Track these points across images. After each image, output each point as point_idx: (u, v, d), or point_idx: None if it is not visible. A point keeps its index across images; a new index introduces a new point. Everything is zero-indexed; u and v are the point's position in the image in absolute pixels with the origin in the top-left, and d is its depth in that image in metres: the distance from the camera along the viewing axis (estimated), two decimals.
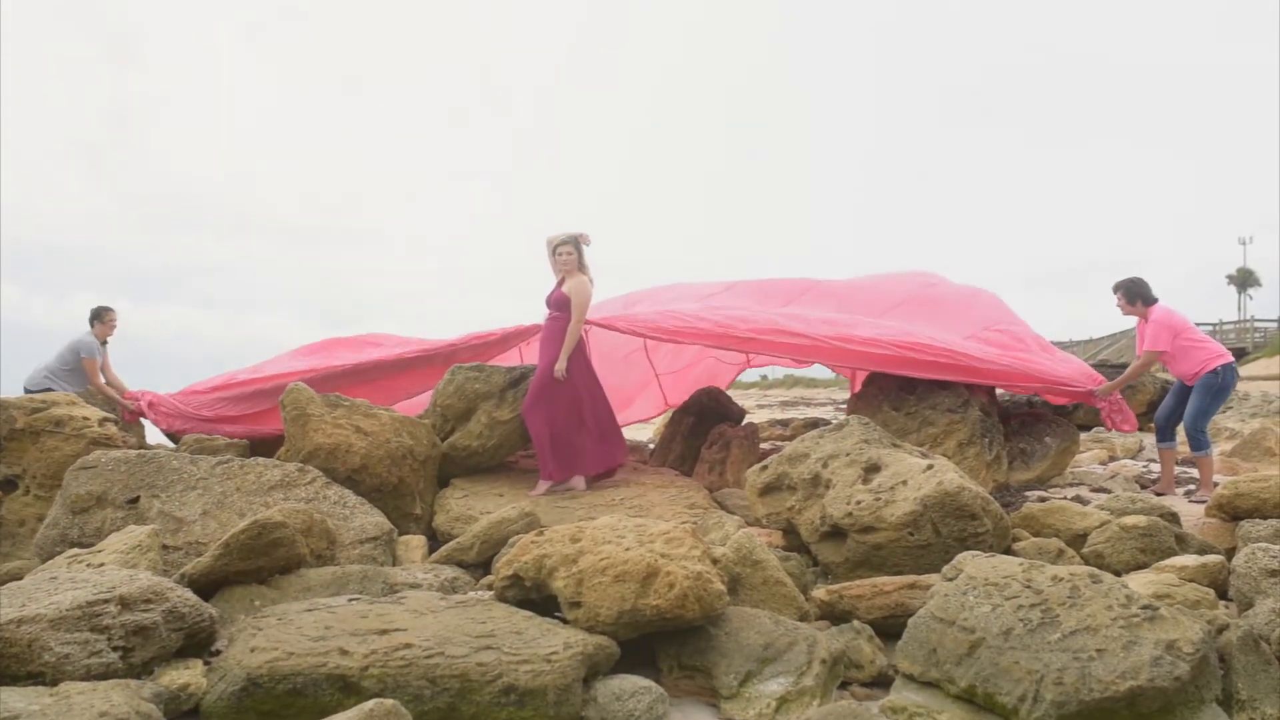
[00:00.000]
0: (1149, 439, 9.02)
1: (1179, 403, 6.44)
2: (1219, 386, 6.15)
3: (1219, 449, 7.96)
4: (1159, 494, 6.19)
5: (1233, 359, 6.32)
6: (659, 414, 10.19)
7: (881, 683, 3.56)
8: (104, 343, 8.09)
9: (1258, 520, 4.70)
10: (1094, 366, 10.66)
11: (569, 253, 6.48)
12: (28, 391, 7.45)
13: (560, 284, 6.53)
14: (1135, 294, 6.34)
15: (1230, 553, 4.51)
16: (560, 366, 6.27)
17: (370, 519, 5.14)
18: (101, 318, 8.12)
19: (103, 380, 7.90)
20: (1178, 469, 7.22)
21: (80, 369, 7.83)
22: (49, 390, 7.34)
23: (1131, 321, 6.68)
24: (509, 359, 7.90)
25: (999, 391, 7.40)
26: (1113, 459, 8.26)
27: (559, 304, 6.46)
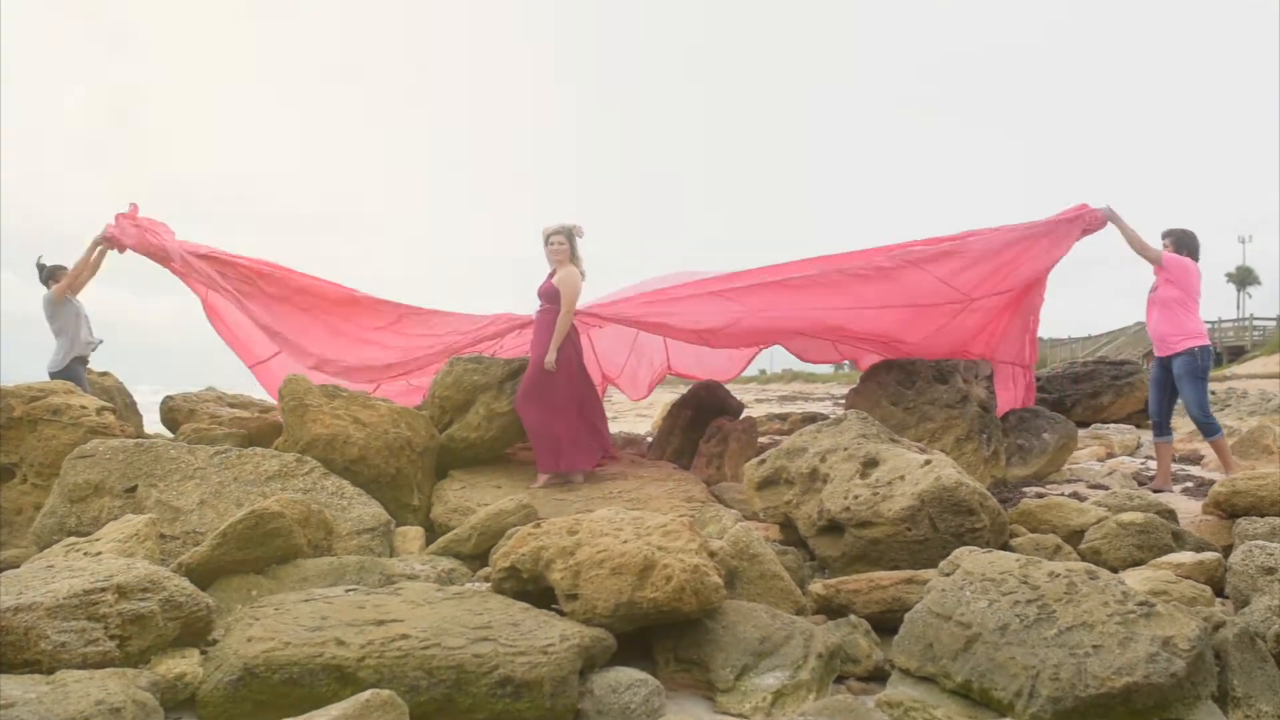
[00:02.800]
0: (1146, 435, 9.03)
1: (1163, 392, 6.47)
2: (1201, 369, 6.24)
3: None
4: (1156, 490, 6.20)
5: (1209, 343, 6.40)
6: (659, 378, 9.86)
7: (878, 677, 3.56)
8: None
9: (1255, 518, 4.70)
10: (1094, 363, 10.70)
11: (560, 243, 6.49)
12: (52, 375, 7.31)
13: (551, 275, 6.52)
14: (1184, 245, 6.41)
15: (1227, 550, 4.52)
16: (550, 359, 6.27)
17: (368, 510, 5.14)
18: (55, 276, 7.59)
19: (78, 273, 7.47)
20: (1175, 466, 7.23)
21: (65, 311, 7.47)
22: (76, 360, 7.33)
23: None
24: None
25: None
26: (1110, 455, 8.26)
27: (549, 295, 6.46)
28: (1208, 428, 6.26)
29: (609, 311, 6.98)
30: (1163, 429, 6.54)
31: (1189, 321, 6.25)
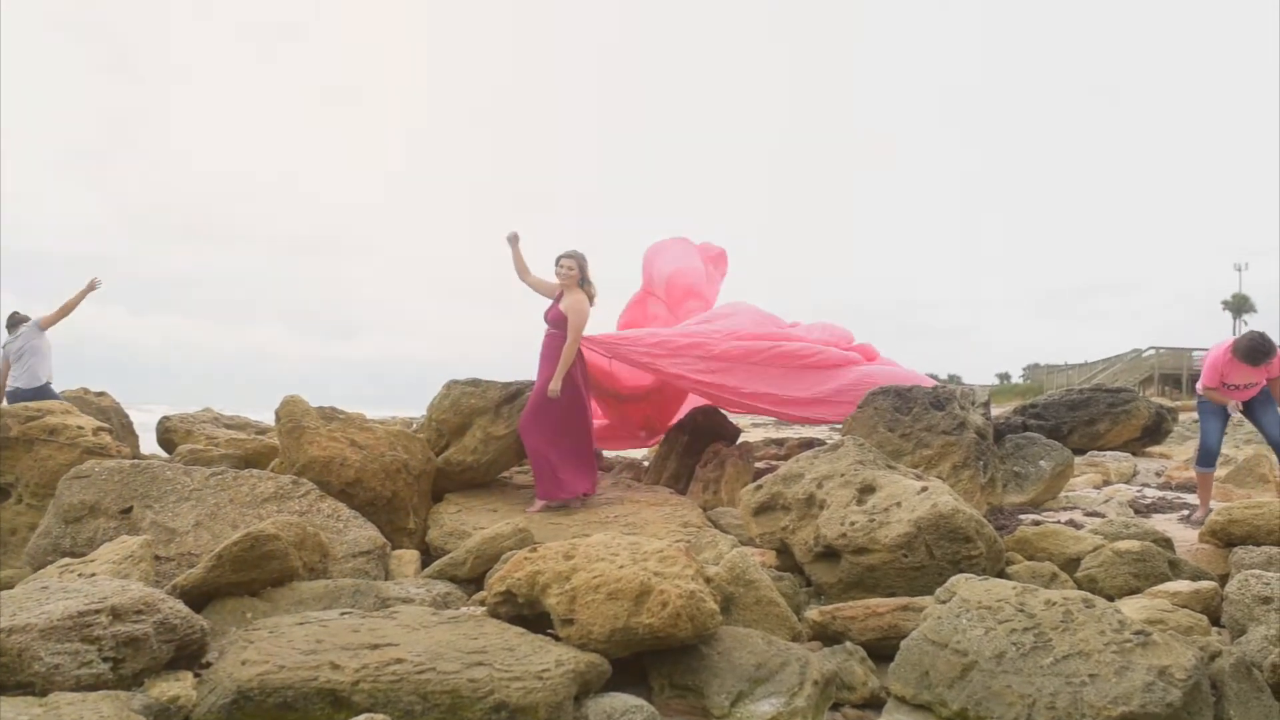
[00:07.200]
0: (1143, 464, 9.03)
1: (1224, 427, 6.40)
2: None
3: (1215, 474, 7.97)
4: (1199, 522, 6.06)
5: None
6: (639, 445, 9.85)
7: (873, 705, 3.55)
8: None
9: (1251, 547, 4.71)
10: (1091, 390, 10.69)
11: (570, 267, 6.42)
12: (31, 393, 7.36)
13: (559, 299, 6.50)
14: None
15: (1224, 579, 4.52)
16: (554, 386, 6.24)
17: (363, 533, 5.13)
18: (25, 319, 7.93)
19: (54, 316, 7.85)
20: (1172, 494, 7.22)
21: (46, 339, 7.78)
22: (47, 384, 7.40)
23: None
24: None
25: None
26: (1107, 483, 8.26)
27: (556, 321, 6.42)
28: None
29: (618, 350, 7.01)
30: (1214, 460, 6.45)
31: None
